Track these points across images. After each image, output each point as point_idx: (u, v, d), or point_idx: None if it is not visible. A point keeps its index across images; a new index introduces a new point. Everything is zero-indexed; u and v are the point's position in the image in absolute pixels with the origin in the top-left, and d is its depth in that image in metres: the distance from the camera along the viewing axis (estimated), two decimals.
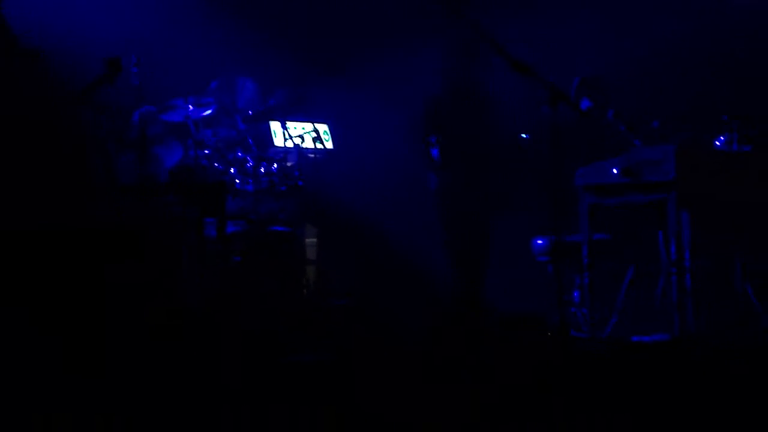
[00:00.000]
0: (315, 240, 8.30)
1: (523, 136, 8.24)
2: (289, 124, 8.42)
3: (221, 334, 6.47)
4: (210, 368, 5.60)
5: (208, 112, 8.28)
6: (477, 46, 7.89)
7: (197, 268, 7.19)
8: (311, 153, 8.51)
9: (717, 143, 7.38)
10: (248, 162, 8.13)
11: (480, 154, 8.03)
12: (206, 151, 8.14)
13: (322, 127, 8.63)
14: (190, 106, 8.15)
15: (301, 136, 8.41)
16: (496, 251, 8.38)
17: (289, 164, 8.30)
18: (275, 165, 8.18)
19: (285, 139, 8.40)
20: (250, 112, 8.49)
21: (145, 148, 7.77)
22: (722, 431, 4.66)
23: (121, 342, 5.72)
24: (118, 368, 5.41)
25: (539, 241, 7.91)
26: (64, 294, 5.85)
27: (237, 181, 8.07)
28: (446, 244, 8.03)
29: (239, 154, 8.18)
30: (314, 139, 8.48)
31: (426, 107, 8.02)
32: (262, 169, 8.14)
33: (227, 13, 8.91)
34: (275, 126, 8.50)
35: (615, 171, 7.13)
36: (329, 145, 8.66)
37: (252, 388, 5.25)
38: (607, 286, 7.53)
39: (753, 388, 5.22)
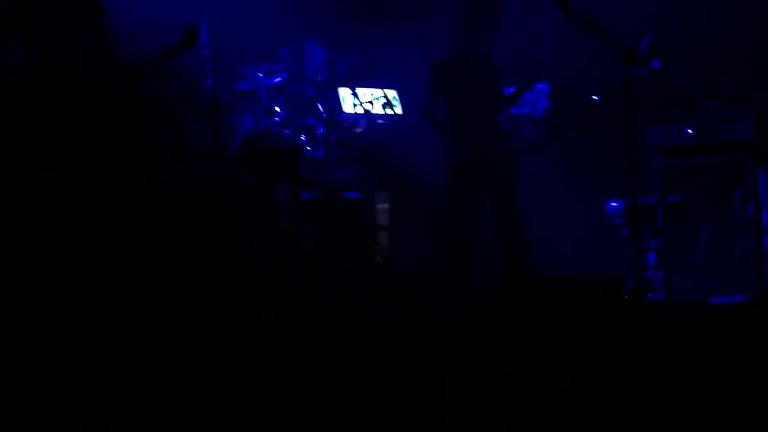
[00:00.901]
0: (387, 206, 8.30)
1: (594, 98, 8.18)
2: (358, 90, 8.41)
3: (294, 302, 6.48)
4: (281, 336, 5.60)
5: (278, 79, 8.29)
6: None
7: (267, 236, 7.23)
8: (381, 119, 8.50)
9: None
10: (318, 129, 8.14)
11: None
12: (276, 119, 8.17)
13: (392, 93, 8.61)
14: (260, 74, 8.17)
15: (370, 102, 8.40)
16: (568, 215, 8.34)
17: (358, 130, 8.30)
18: (345, 131, 8.19)
19: (354, 106, 8.40)
20: (319, 79, 8.50)
21: (218, 116, 7.80)
22: None
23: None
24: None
25: (613, 204, 7.84)
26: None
27: (307, 148, 8.09)
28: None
29: (309, 121, 8.19)
30: (384, 105, 8.46)
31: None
32: (332, 136, 8.15)
33: None
34: (344, 92, 8.49)
35: (689, 131, 7.05)
36: (399, 110, 8.64)
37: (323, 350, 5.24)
38: (682, 248, 7.47)
39: None
